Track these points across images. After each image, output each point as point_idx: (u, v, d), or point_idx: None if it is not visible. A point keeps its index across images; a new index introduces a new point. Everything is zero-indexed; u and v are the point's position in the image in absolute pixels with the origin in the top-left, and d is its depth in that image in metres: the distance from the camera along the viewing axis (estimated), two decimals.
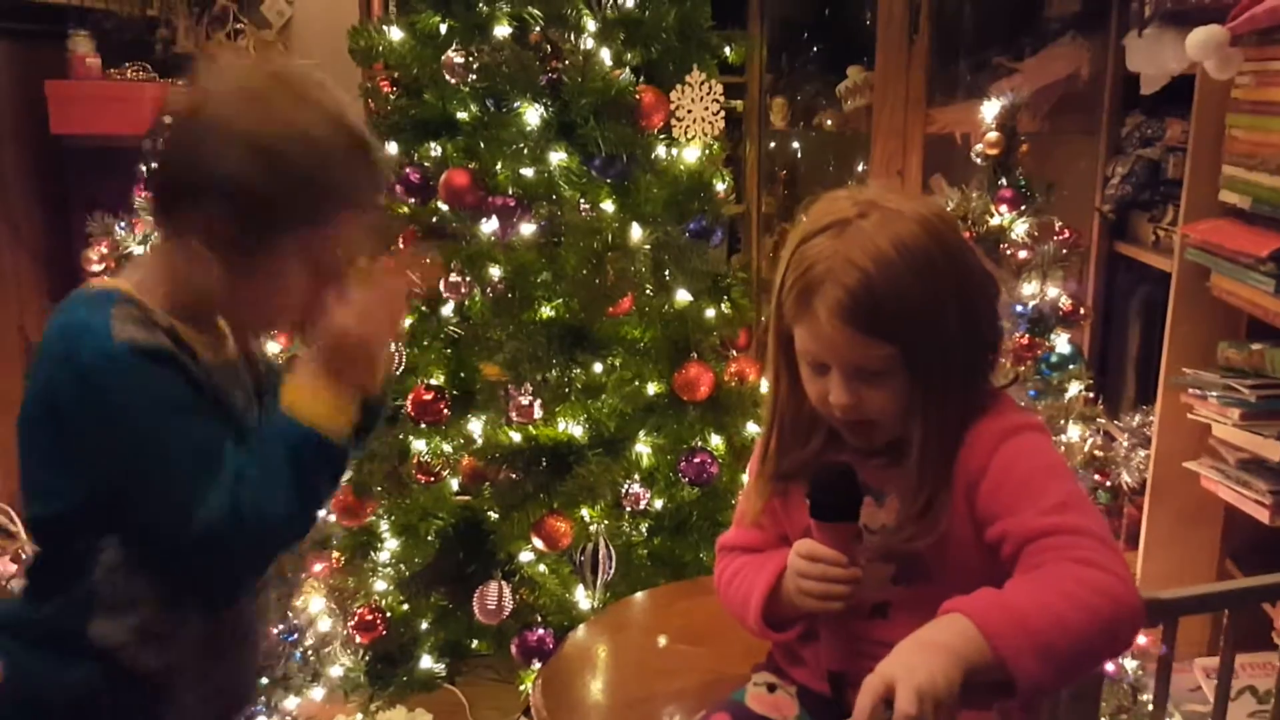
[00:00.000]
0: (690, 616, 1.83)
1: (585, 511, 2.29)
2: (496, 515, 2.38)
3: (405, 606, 2.47)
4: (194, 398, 1.11)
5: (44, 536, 1.17)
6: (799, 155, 2.84)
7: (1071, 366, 2.07)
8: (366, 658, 2.44)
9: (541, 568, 2.38)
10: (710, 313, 2.47)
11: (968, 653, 0.98)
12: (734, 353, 2.57)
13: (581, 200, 2.28)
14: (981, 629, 0.99)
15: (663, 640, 1.81)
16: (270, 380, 1.29)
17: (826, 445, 1.27)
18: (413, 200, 2.34)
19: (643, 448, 2.40)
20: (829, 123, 2.86)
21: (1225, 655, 1.23)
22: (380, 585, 2.47)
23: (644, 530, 2.45)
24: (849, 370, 1.17)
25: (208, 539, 1.06)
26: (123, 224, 2.42)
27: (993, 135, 1.99)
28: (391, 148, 2.33)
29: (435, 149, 2.36)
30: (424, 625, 2.50)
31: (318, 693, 2.40)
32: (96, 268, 2.44)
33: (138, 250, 2.38)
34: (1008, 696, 1.03)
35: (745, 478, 2.07)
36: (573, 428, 2.32)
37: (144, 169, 2.43)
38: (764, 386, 2.46)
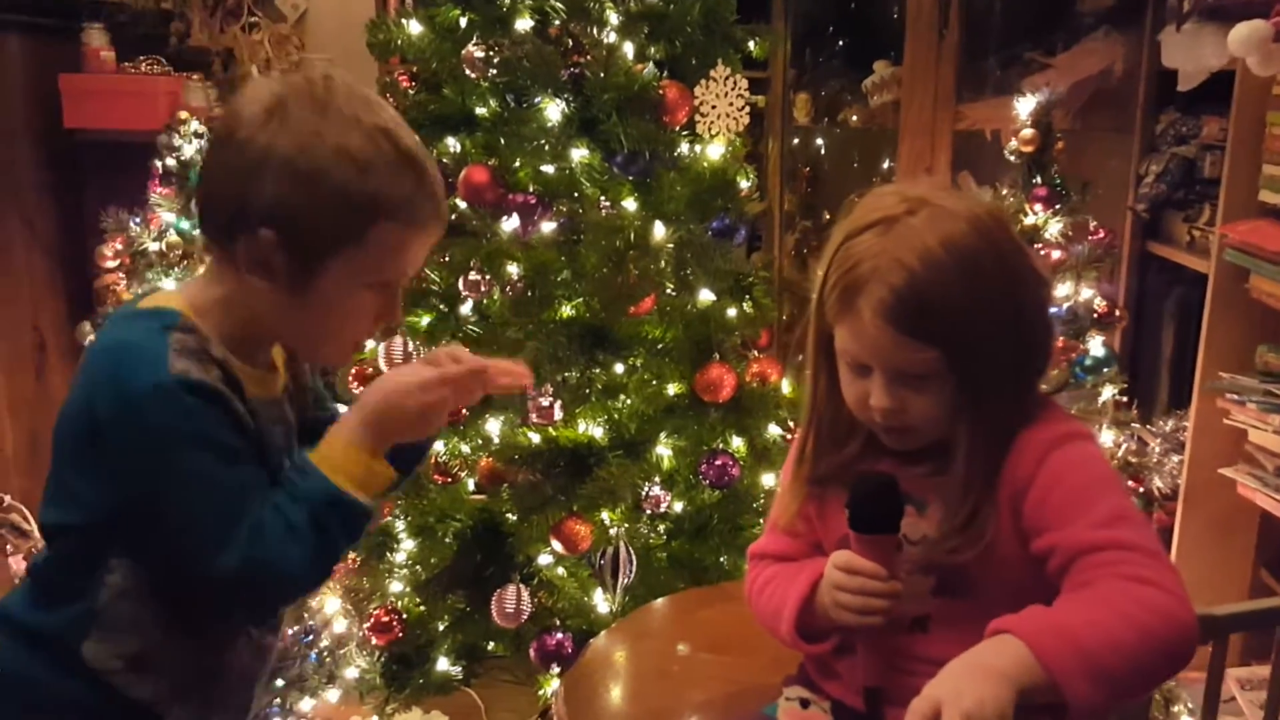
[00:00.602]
0: (714, 624, 1.79)
1: (605, 514, 2.25)
2: (515, 517, 2.34)
3: (422, 608, 2.43)
4: (234, 442, 1.09)
5: (58, 543, 1.14)
6: (822, 152, 2.79)
7: (1105, 370, 2.02)
8: (382, 659, 2.42)
9: (560, 571, 2.34)
10: (732, 312, 2.43)
11: (1019, 676, 0.94)
12: (756, 353, 2.54)
13: (603, 198, 2.24)
14: (1034, 650, 0.95)
15: (686, 649, 1.78)
16: (318, 416, 1.30)
17: (865, 449, 1.23)
18: None
19: (663, 449, 2.36)
20: (854, 119, 2.81)
21: (1276, 670, 1.19)
22: (396, 586, 2.44)
23: (663, 533, 2.42)
24: (891, 373, 1.13)
25: (218, 584, 1.06)
26: (137, 220, 2.39)
27: (1028, 132, 1.95)
28: None
29: (454, 145, 2.32)
30: (440, 627, 2.47)
31: (333, 694, 2.38)
32: (111, 264, 2.41)
33: (153, 246, 2.36)
34: (1060, 716, 0.99)
35: (770, 481, 2.03)
36: (593, 429, 2.29)
37: (159, 164, 2.41)
38: (785, 388, 2.45)
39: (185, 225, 2.35)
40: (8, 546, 2.50)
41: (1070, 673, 0.95)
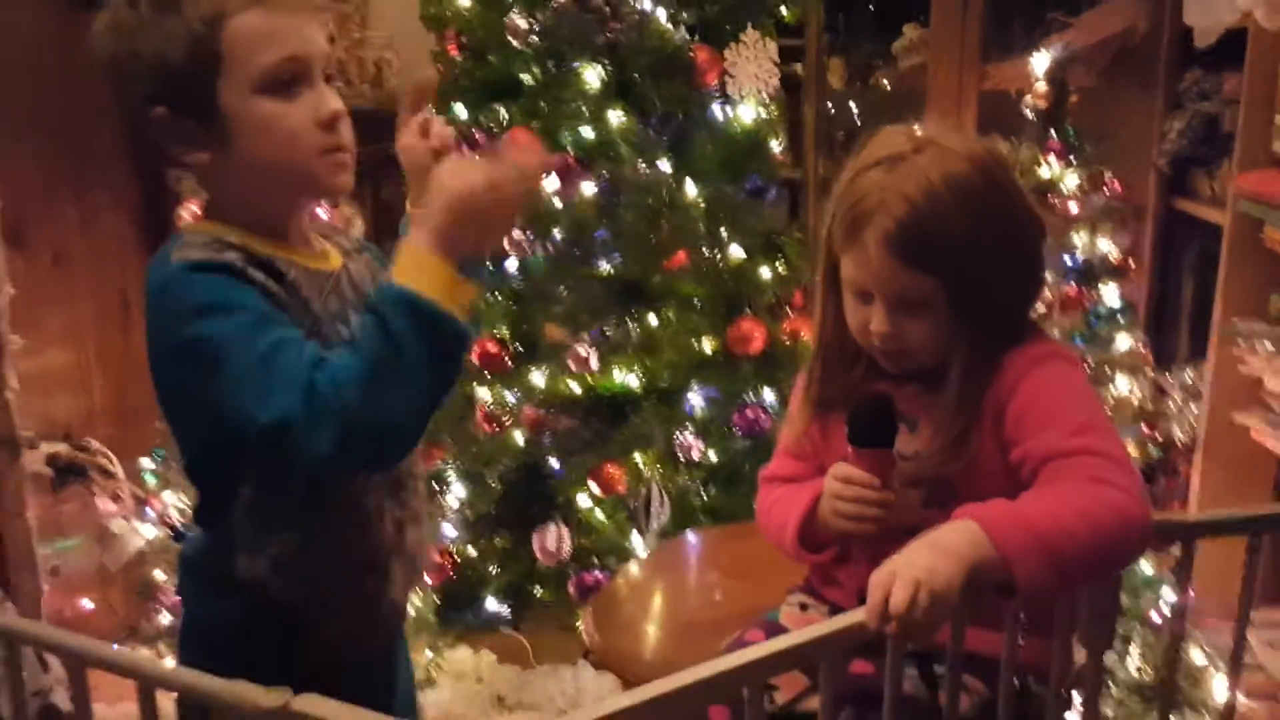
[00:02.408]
0: (737, 555, 1.90)
1: (639, 458, 2.37)
2: (556, 462, 2.47)
3: (471, 549, 2.58)
4: (256, 304, 1.05)
5: (194, 483, 1.22)
6: (856, 116, 2.86)
7: (1121, 319, 2.08)
8: (434, 600, 2.55)
9: (598, 514, 2.47)
10: (766, 273, 2.53)
11: (971, 554, 1.03)
12: (789, 312, 2.63)
13: (639, 159, 2.35)
14: (986, 531, 1.04)
15: (709, 574, 1.89)
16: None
17: (868, 374, 1.32)
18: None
19: (696, 400, 2.47)
20: (885, 82, 2.88)
21: (1248, 581, 1.26)
22: (447, 529, 2.58)
23: (698, 481, 2.53)
24: (892, 300, 1.22)
25: (284, 428, 0.98)
26: None
27: (1041, 87, 2.02)
28: (460, 110, 2.43)
29: (501, 111, 2.45)
30: (489, 568, 2.61)
31: None
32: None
33: None
34: (1009, 596, 1.08)
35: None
36: (628, 379, 2.41)
37: None
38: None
39: None
40: (94, 487, 2.71)
41: (1019, 551, 1.04)
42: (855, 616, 1.02)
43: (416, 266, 1.04)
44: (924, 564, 1.01)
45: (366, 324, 1.03)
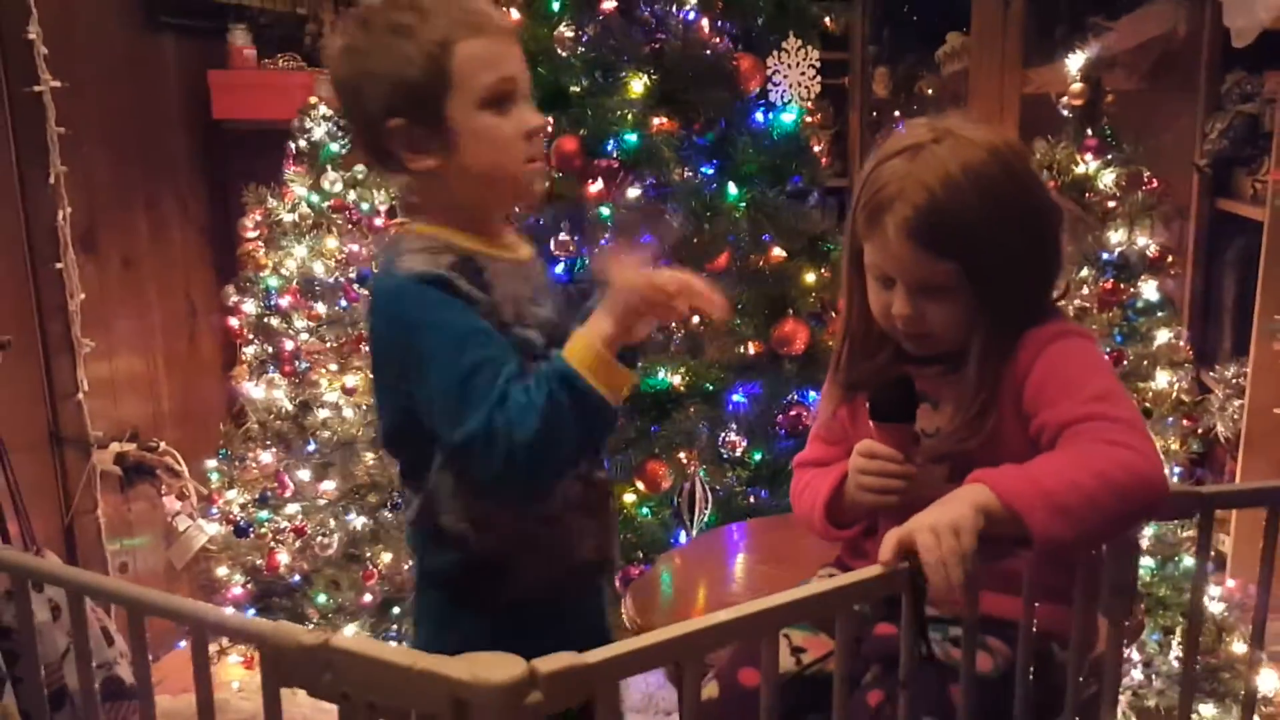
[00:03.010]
0: (776, 543, 1.93)
1: (682, 455, 2.41)
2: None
3: None
4: (465, 323, 1.21)
5: (392, 450, 1.41)
6: (900, 125, 2.90)
7: (1160, 314, 2.09)
8: None
9: (644, 511, 2.52)
10: (810, 276, 2.57)
11: (981, 502, 1.07)
12: (834, 314, 2.66)
13: (682, 164, 2.41)
14: (996, 490, 1.08)
15: (748, 561, 1.93)
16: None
17: (893, 358, 1.36)
18: None
19: (740, 400, 2.51)
20: (929, 91, 2.92)
21: (1266, 550, 1.28)
22: None
23: (743, 479, 2.56)
24: (913, 285, 1.26)
25: (467, 450, 1.19)
26: (274, 194, 2.68)
27: (1077, 86, 2.04)
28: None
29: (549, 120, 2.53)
30: None
31: None
32: (251, 234, 2.70)
33: (287, 217, 2.64)
34: (1027, 547, 1.11)
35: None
36: (673, 378, 2.45)
37: (293, 146, 2.70)
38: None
39: (315, 198, 2.63)
40: (162, 486, 2.82)
41: (1030, 506, 1.07)
42: (875, 570, 1.06)
43: (586, 349, 1.20)
44: (933, 514, 1.06)
45: (540, 381, 1.20)
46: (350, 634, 0.99)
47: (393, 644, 0.91)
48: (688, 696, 0.99)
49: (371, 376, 1.36)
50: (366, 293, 1.32)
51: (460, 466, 1.25)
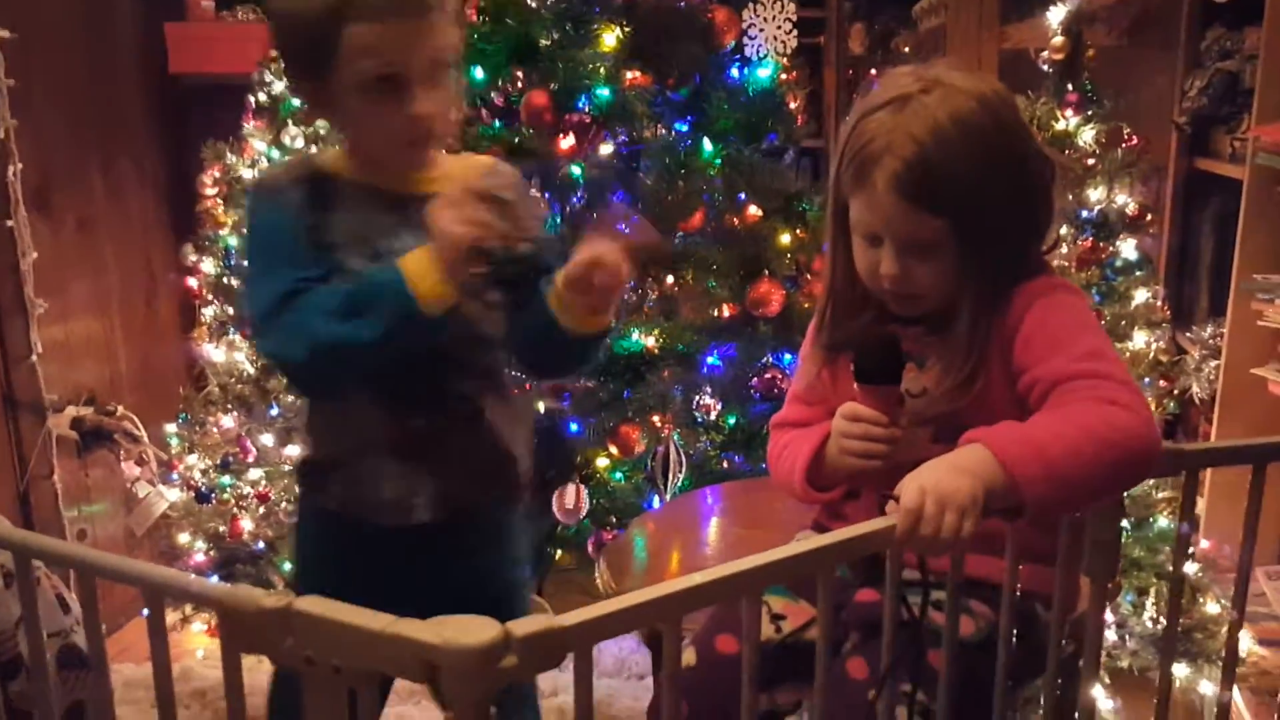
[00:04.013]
0: (751, 506, 1.91)
1: (656, 418, 2.38)
2: (575, 423, 2.49)
3: None
4: (280, 227, 1.28)
5: None
6: (876, 84, 2.86)
7: (1138, 273, 2.07)
8: None
9: (617, 475, 2.49)
10: (785, 238, 2.53)
11: (985, 475, 1.04)
12: (809, 275, 2.63)
13: (656, 121, 2.36)
14: (997, 454, 1.05)
15: (723, 524, 1.90)
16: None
17: (878, 318, 1.32)
18: (498, 123, 2.45)
19: (715, 363, 2.48)
20: (906, 48, 2.88)
21: (1251, 509, 1.26)
22: None
23: (717, 443, 2.54)
24: (900, 242, 1.22)
25: (256, 337, 1.32)
26: (233, 150, 2.60)
27: (1058, 40, 2.00)
28: (477, 73, 2.44)
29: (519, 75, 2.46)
30: None
31: None
32: (210, 190, 2.62)
33: (247, 174, 2.56)
34: (1017, 517, 1.08)
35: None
36: (647, 340, 2.42)
37: (252, 100, 2.61)
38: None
39: (275, 154, 2.55)
40: (121, 451, 2.75)
41: (1026, 472, 1.04)
42: (856, 530, 1.03)
43: (421, 254, 1.21)
44: (950, 484, 1.02)
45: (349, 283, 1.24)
46: None
47: None
48: (667, 661, 0.96)
49: None
50: None
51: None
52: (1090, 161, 2.02)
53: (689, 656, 1.32)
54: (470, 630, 0.81)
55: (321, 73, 1.25)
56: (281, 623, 0.88)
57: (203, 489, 2.57)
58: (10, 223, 2.41)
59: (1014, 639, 1.19)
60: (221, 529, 2.50)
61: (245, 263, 1.41)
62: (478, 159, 1.46)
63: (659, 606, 0.91)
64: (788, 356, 2.53)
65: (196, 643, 2.56)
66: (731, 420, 2.54)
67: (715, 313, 2.50)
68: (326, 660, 0.87)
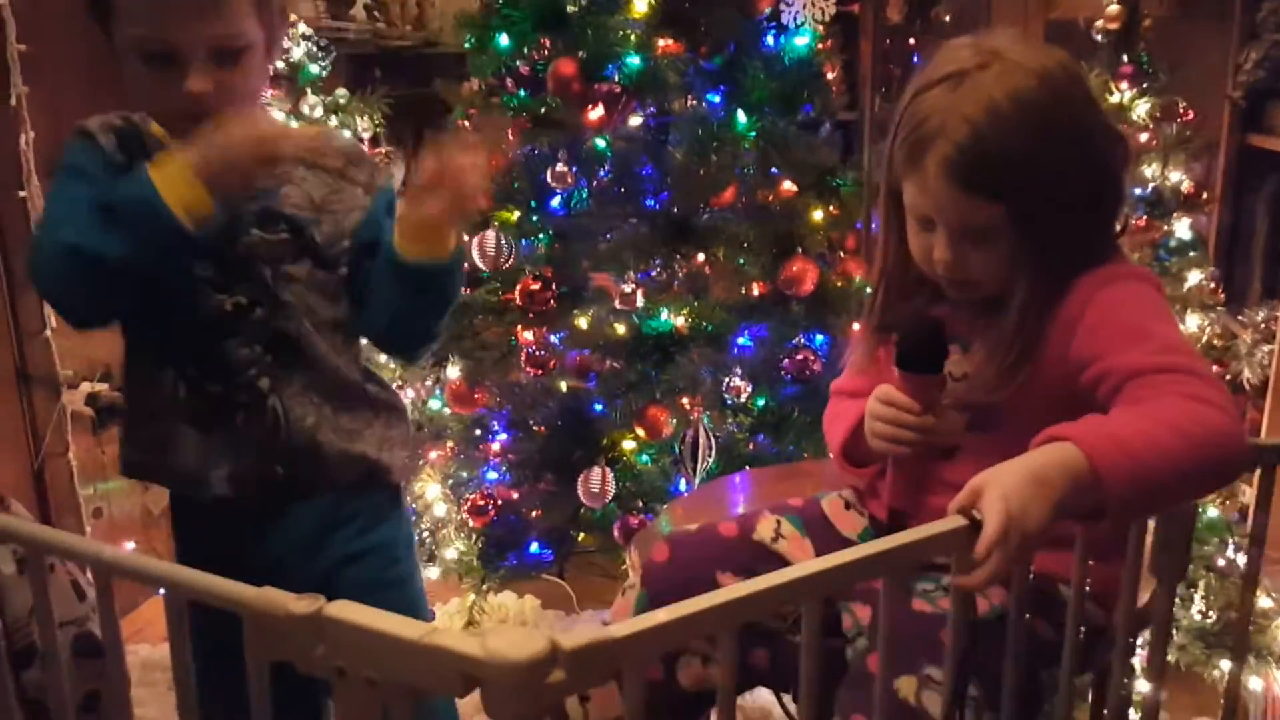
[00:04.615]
0: (784, 494, 1.82)
1: (685, 400, 2.32)
2: (601, 405, 2.43)
3: (515, 494, 2.54)
4: (81, 163, 1.25)
5: None
6: (916, 54, 2.77)
7: (1192, 253, 1.99)
8: (479, 543, 2.53)
9: (644, 458, 2.43)
10: (818, 214, 2.45)
11: (1069, 488, 0.96)
12: (841, 254, 2.55)
13: (687, 91, 2.28)
14: (1088, 456, 0.96)
15: (754, 509, 1.84)
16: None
17: (931, 300, 1.27)
18: (523, 92, 2.37)
19: (745, 343, 2.41)
20: (947, 16, 2.78)
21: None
22: (492, 474, 2.55)
23: (746, 427, 2.47)
24: (955, 228, 1.16)
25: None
26: None
27: (1113, 8, 1.92)
28: (503, 40, 2.36)
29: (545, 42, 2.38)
30: (533, 513, 2.58)
31: (434, 572, 2.51)
32: None
33: None
34: (1095, 520, 1.01)
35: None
36: (675, 320, 2.35)
37: (270, 67, 2.54)
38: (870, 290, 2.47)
39: (294, 123, 2.48)
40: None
41: (1118, 480, 0.96)
42: (921, 534, 0.96)
43: (169, 159, 1.17)
44: (1019, 501, 0.93)
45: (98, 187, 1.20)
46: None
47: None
48: (724, 672, 0.89)
49: None
50: None
51: None
52: (1143, 137, 1.93)
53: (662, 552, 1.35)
54: (516, 642, 0.74)
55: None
56: (311, 630, 0.82)
57: None
58: (23, 193, 2.35)
59: (1031, 619, 1.12)
60: None
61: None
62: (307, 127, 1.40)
63: (715, 616, 0.84)
64: (820, 337, 2.46)
65: None
66: (761, 402, 2.47)
67: (746, 291, 2.43)
68: (359, 672, 0.81)
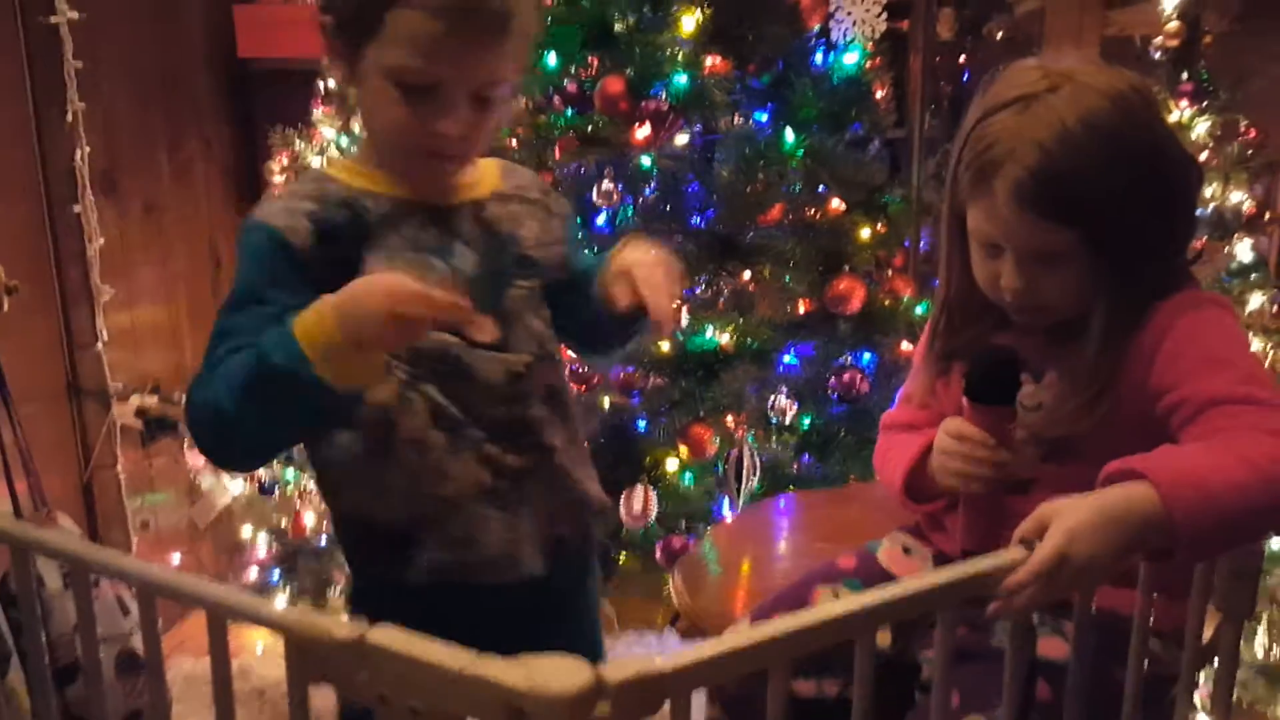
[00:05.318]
0: (832, 520, 1.82)
1: (730, 420, 2.29)
2: (644, 423, 2.41)
3: None
4: (258, 280, 1.12)
5: None
6: (966, 72, 2.74)
7: (1254, 276, 1.94)
8: None
9: (687, 478, 2.40)
10: (866, 232, 2.43)
11: (1137, 529, 0.93)
12: (889, 272, 2.52)
13: (734, 109, 2.27)
14: (1166, 502, 0.93)
15: (801, 537, 1.81)
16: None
17: (997, 326, 1.24)
18: (570, 110, 2.37)
19: (791, 361, 2.39)
20: (999, 34, 2.75)
21: None
22: None
23: (791, 447, 2.44)
24: (1024, 253, 1.14)
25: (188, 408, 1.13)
26: (301, 136, 2.55)
27: (1173, 25, 1.88)
28: (550, 59, 2.36)
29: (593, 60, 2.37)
30: None
31: None
32: (278, 177, 2.57)
33: (315, 160, 2.50)
34: (1164, 559, 0.98)
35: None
36: (720, 337, 2.33)
37: (321, 86, 2.56)
38: (919, 309, 2.43)
39: (344, 141, 2.49)
40: (185, 441, 2.71)
41: (1192, 521, 0.93)
42: (975, 567, 0.93)
43: (316, 326, 1.05)
44: (1085, 540, 0.91)
45: (249, 352, 1.07)
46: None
47: None
48: (774, 700, 0.87)
49: None
50: None
51: None
52: (1204, 156, 1.89)
53: None
54: (561, 673, 0.73)
55: (359, 42, 1.11)
56: (355, 656, 0.80)
57: (266, 481, 2.53)
58: (77, 208, 2.38)
59: (1108, 667, 1.08)
60: (284, 523, 2.46)
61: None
62: (490, 161, 1.31)
63: (766, 650, 0.82)
64: (867, 356, 2.43)
65: (256, 636, 2.53)
66: (807, 422, 2.44)
67: (792, 309, 2.41)
68: (402, 700, 0.79)
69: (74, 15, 2.31)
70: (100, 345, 2.50)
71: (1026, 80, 1.13)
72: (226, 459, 1.25)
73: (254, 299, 1.11)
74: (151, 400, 2.66)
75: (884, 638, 1.27)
